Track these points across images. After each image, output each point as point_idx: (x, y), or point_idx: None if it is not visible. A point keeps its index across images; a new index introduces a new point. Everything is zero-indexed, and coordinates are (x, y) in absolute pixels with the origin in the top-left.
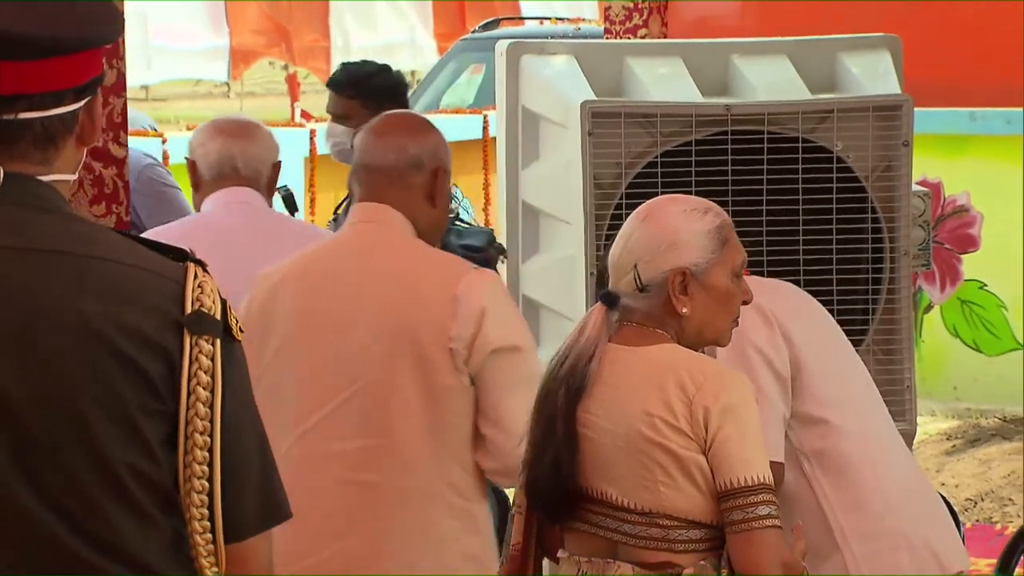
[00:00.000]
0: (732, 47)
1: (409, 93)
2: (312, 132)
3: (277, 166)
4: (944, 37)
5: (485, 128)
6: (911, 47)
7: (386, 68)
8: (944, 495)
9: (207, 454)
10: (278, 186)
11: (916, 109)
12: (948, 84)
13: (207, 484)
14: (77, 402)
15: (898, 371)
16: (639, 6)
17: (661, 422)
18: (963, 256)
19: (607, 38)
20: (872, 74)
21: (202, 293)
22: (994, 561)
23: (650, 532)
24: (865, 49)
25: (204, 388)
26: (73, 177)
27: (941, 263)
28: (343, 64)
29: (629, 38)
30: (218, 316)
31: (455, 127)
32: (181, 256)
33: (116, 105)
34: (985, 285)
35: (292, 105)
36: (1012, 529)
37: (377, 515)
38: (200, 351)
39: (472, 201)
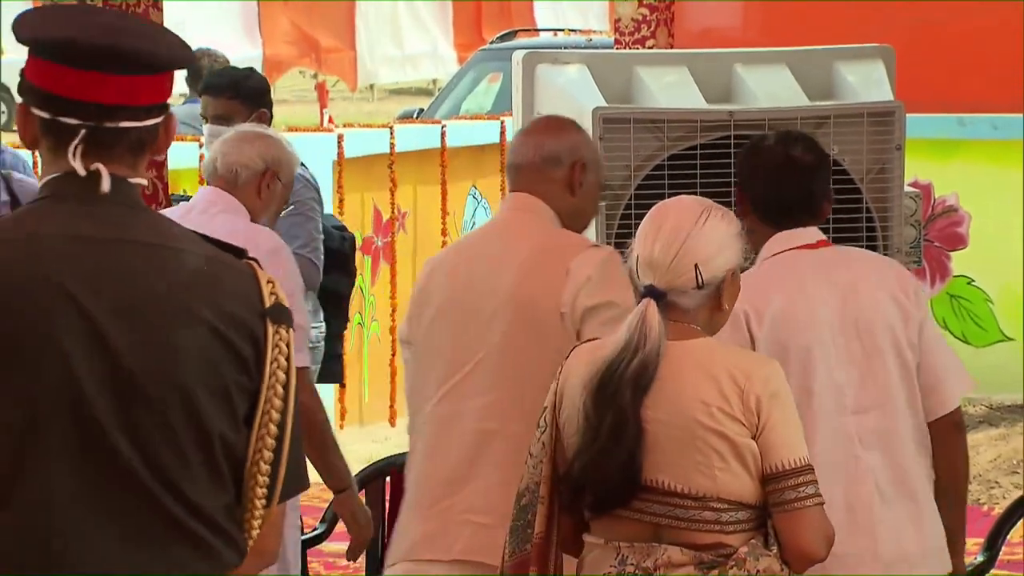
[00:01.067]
0: (735, 56)
1: (430, 101)
2: (340, 136)
3: (268, 174)
4: (935, 47)
5: (502, 133)
6: (903, 57)
7: (253, 70)
8: None
9: (278, 430)
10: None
11: (908, 115)
12: (938, 91)
13: (274, 455)
14: (184, 374)
15: None
16: (647, 18)
17: (717, 411)
18: (952, 253)
19: (617, 48)
20: (866, 82)
21: (274, 288)
22: (981, 540)
23: (702, 515)
24: (860, 58)
25: (282, 371)
26: (145, 182)
27: (931, 260)
28: (214, 72)
29: (638, 48)
30: (288, 308)
31: (474, 133)
32: (240, 253)
33: None
34: (973, 281)
35: (321, 111)
36: (998, 510)
37: (495, 462)
38: (280, 338)
39: (490, 202)
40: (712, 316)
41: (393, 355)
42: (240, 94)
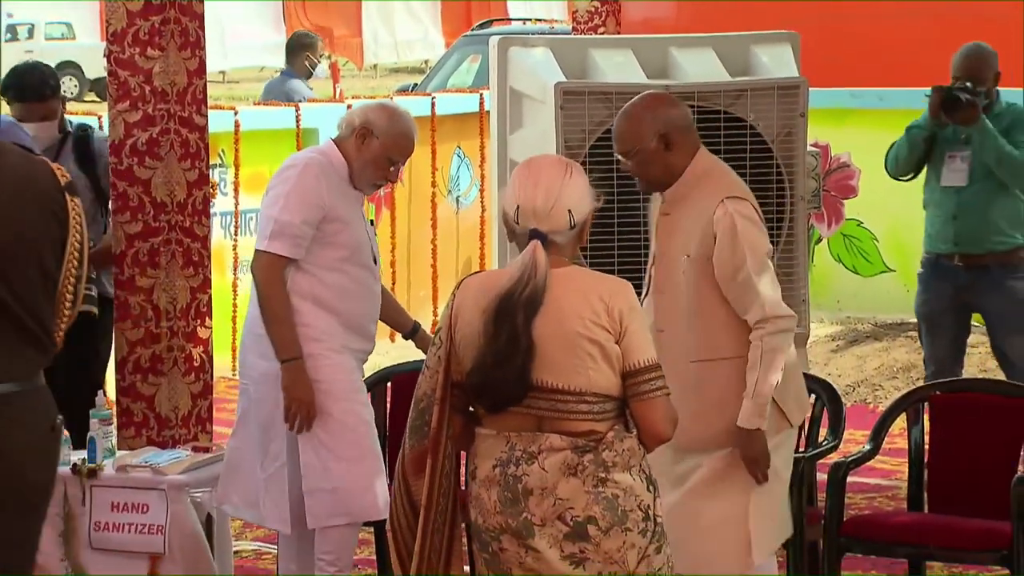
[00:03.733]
0: (670, 41)
1: (422, 78)
2: (349, 106)
3: (363, 130)
4: (833, 34)
5: (481, 104)
6: (807, 41)
7: (45, 65)
8: (830, 382)
9: (79, 264)
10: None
11: (810, 89)
12: (835, 69)
13: (76, 281)
14: (31, 233)
15: (795, 288)
16: (599, 10)
17: (590, 322)
18: (845, 201)
19: (575, 34)
20: (777, 62)
21: (63, 172)
22: (868, 432)
23: (579, 408)
24: (771, 42)
25: (79, 225)
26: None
27: (828, 206)
28: (13, 72)
29: (591, 34)
30: (74, 181)
31: (458, 103)
32: (34, 153)
33: (198, 85)
34: (862, 223)
35: (334, 86)
36: (882, 408)
37: None
38: (75, 205)
39: (471, 160)
40: (574, 249)
41: (393, 284)
42: (55, 92)
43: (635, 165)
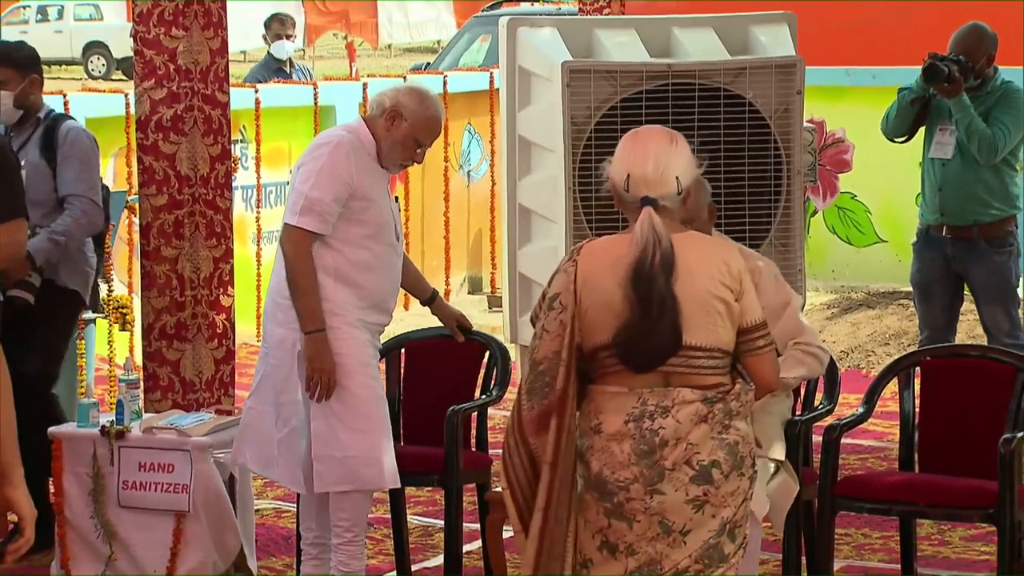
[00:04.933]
0: (672, 21)
1: (434, 57)
2: (365, 84)
3: (393, 112)
4: (828, 12)
5: (491, 82)
6: (804, 21)
7: (23, 43)
8: (827, 347)
9: None
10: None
11: (807, 67)
12: (830, 48)
13: None
14: None
15: (792, 259)
16: None
17: (720, 282)
18: (840, 175)
19: (581, 15)
20: (775, 41)
21: None
22: (861, 396)
23: (708, 363)
24: (770, 23)
25: None
26: None
27: (824, 180)
28: None
29: (597, 15)
30: None
31: (469, 81)
32: None
33: (220, 63)
34: (856, 196)
35: (350, 65)
36: (874, 373)
37: None
38: None
39: (482, 136)
40: (681, 213)
41: (407, 254)
42: (11, 62)
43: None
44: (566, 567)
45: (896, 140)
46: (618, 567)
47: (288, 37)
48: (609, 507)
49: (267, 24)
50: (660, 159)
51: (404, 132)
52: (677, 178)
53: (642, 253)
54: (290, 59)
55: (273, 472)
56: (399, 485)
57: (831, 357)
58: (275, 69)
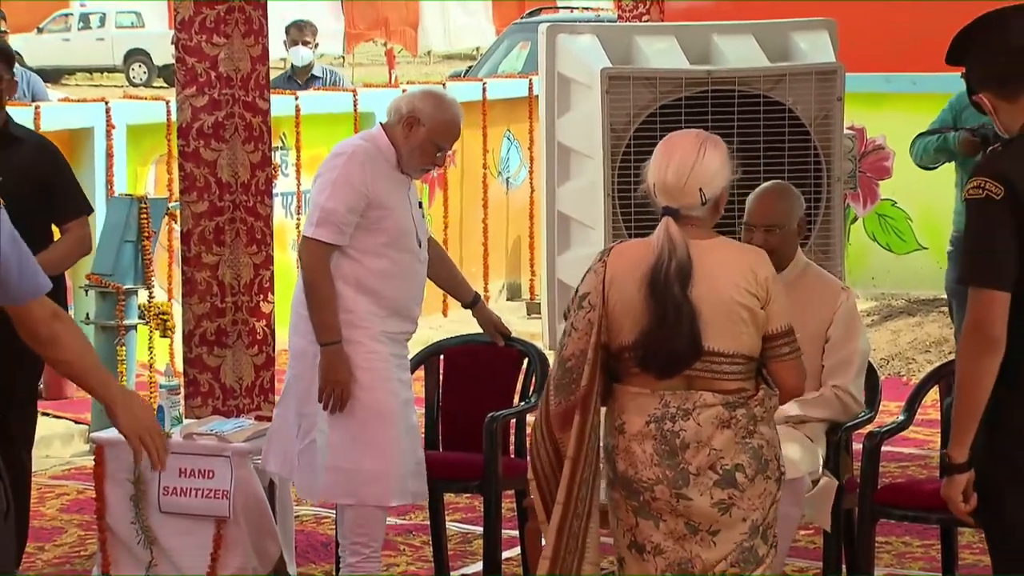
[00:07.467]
0: (712, 28)
1: (474, 64)
2: (404, 91)
3: (410, 118)
4: (868, 20)
5: (530, 89)
6: (844, 28)
7: None
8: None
9: None
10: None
11: (847, 74)
12: (871, 55)
13: None
14: None
15: (832, 265)
16: None
17: (745, 290)
18: (880, 182)
19: (620, 21)
20: (814, 48)
21: None
22: (901, 404)
23: (731, 368)
24: (809, 29)
25: None
26: None
27: (864, 187)
28: None
29: (636, 22)
30: None
31: (508, 88)
32: None
33: (261, 71)
34: (896, 203)
35: (390, 72)
36: (915, 380)
37: None
38: None
39: (521, 143)
40: (713, 220)
41: None
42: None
43: (777, 240)
44: (585, 564)
45: (928, 169)
46: (648, 567)
47: (306, 43)
48: (636, 505)
49: (287, 30)
50: (683, 170)
51: (422, 137)
52: (701, 189)
53: (657, 261)
54: (310, 64)
55: (294, 480)
56: (407, 502)
57: (869, 361)
58: (288, 77)
